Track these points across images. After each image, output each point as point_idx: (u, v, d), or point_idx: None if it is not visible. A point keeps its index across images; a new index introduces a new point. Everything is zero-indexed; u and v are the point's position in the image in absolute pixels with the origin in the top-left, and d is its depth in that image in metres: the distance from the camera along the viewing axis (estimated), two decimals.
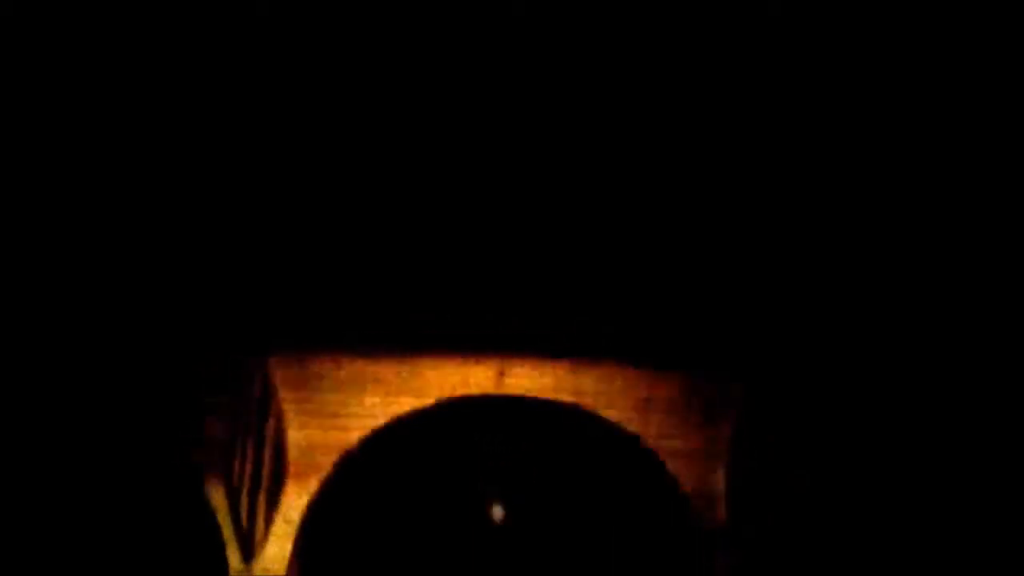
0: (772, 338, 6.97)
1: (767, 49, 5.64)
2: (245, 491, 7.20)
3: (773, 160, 6.22)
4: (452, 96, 6.11)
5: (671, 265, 6.86)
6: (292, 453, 7.38)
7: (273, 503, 7.34)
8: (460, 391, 7.46)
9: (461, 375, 7.44)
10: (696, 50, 5.72)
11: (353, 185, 6.60)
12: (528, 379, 7.45)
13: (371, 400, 7.45)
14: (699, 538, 7.26)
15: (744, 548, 7.11)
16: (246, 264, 6.92)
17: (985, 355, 6.67)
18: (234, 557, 7.14)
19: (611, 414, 7.43)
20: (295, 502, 7.34)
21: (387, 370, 7.43)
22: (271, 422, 7.39)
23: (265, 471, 7.34)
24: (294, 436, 7.41)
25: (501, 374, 7.43)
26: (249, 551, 7.20)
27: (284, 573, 7.23)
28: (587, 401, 7.44)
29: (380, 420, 7.45)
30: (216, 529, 7.07)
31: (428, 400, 7.47)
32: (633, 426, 7.41)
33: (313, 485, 7.37)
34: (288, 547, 7.29)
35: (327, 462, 7.41)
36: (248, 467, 7.22)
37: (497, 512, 8.89)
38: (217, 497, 7.07)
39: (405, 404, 7.45)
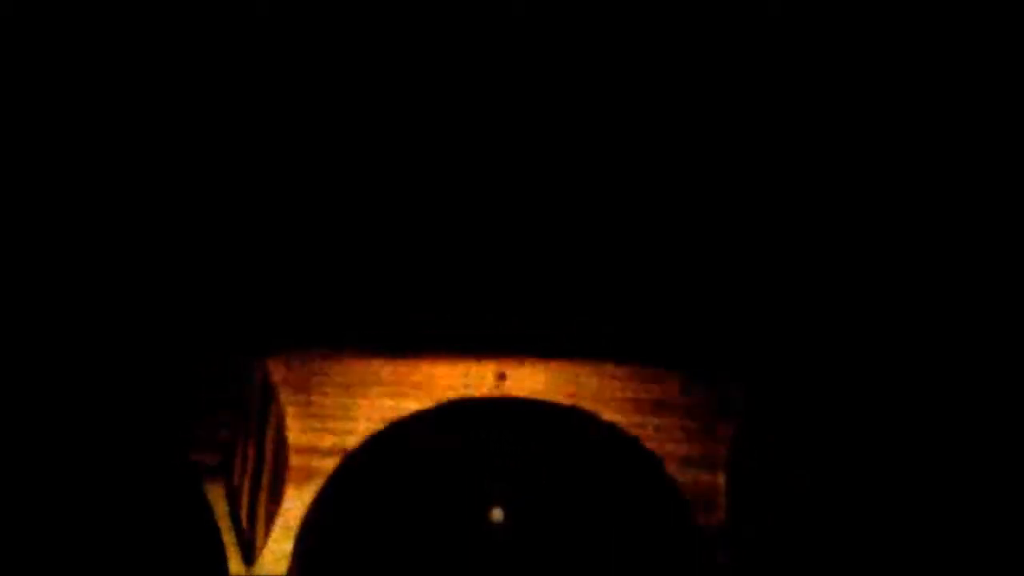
0: (772, 339, 6.96)
1: (767, 49, 5.64)
2: (245, 492, 7.19)
3: (773, 160, 6.22)
4: (452, 96, 6.11)
5: (671, 266, 6.85)
6: (292, 454, 7.39)
7: (273, 505, 7.34)
8: (460, 392, 7.47)
9: (461, 376, 7.45)
10: (696, 50, 5.72)
11: (353, 185, 6.59)
12: (528, 380, 7.45)
13: (371, 401, 7.46)
14: (699, 538, 7.26)
15: (744, 548, 7.11)
16: (246, 264, 6.91)
17: (985, 355, 6.67)
18: (234, 559, 7.13)
19: (611, 415, 7.43)
20: (295, 504, 7.34)
21: (387, 370, 7.44)
22: (271, 423, 7.39)
23: (265, 472, 7.34)
24: (294, 437, 7.41)
25: (501, 375, 7.43)
26: (249, 553, 7.19)
27: (284, 574, 7.23)
28: (587, 402, 7.45)
29: (380, 421, 7.45)
30: (216, 531, 7.06)
31: (428, 401, 7.47)
32: (633, 427, 7.41)
33: (314, 487, 7.37)
34: (288, 549, 7.29)
35: (327, 464, 7.41)
36: (248, 468, 7.21)
37: (497, 514, 8.89)
38: (217, 498, 7.05)
39: (405, 405, 7.45)
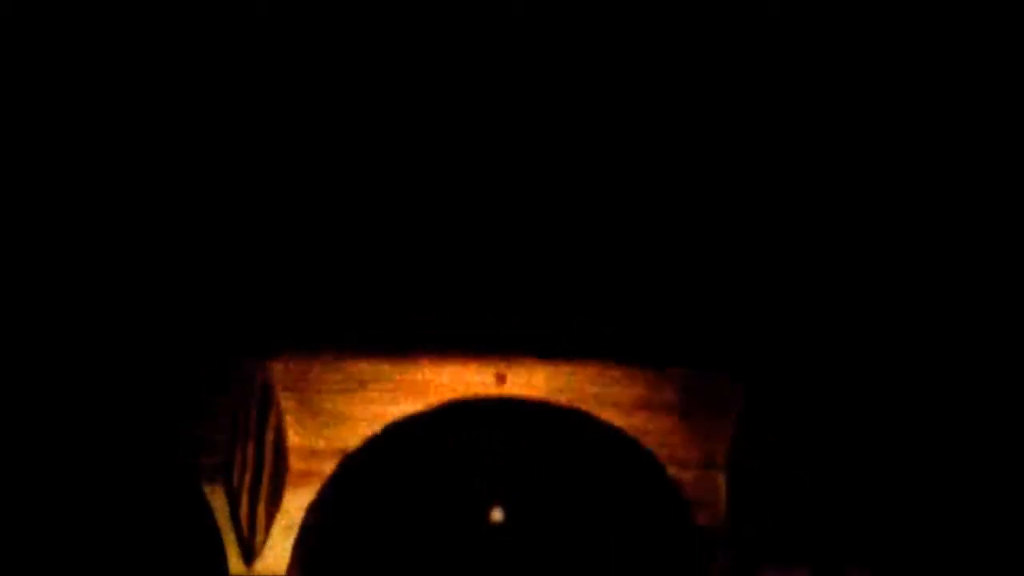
0: (772, 339, 6.97)
1: (767, 49, 5.65)
2: (245, 493, 7.19)
3: (773, 161, 6.23)
4: (452, 96, 6.12)
5: (671, 265, 6.86)
6: (292, 455, 7.39)
7: (273, 505, 7.35)
8: (460, 392, 7.47)
9: (461, 376, 7.45)
10: (696, 50, 5.73)
11: (353, 186, 6.60)
12: (528, 380, 7.45)
13: (370, 403, 7.46)
14: (699, 538, 7.26)
15: (744, 548, 7.11)
16: (246, 266, 6.91)
17: (985, 355, 6.68)
18: (234, 559, 7.14)
19: (611, 415, 7.43)
20: (295, 504, 7.35)
21: (386, 372, 7.44)
22: (271, 424, 7.39)
23: (265, 473, 7.34)
24: (294, 438, 7.42)
25: (501, 375, 7.43)
26: (249, 553, 7.20)
27: (284, 575, 7.23)
28: (587, 402, 7.45)
29: (380, 422, 7.45)
30: (216, 531, 7.06)
31: (428, 402, 7.47)
32: (633, 427, 7.42)
33: (313, 487, 7.38)
34: (288, 549, 7.29)
35: (327, 465, 7.41)
36: (248, 469, 7.21)
37: (496, 514, 8.89)
38: (217, 499, 7.05)
39: (405, 406, 7.45)
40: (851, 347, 6.84)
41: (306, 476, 7.37)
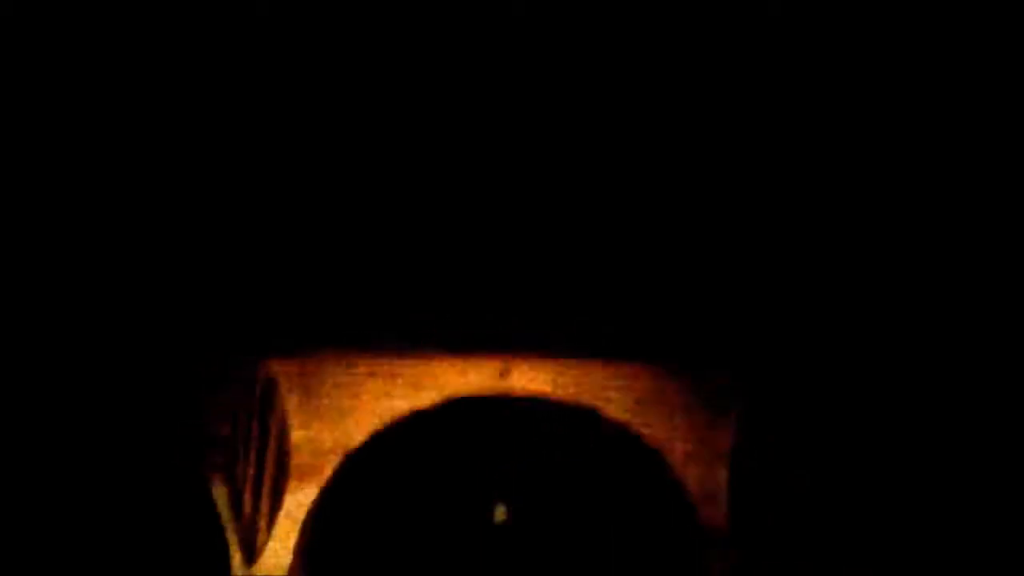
0: (773, 339, 6.96)
1: (767, 49, 5.63)
2: (248, 491, 7.23)
3: (773, 161, 6.21)
4: (452, 96, 6.11)
5: (671, 265, 6.85)
6: (294, 453, 7.41)
7: (276, 503, 7.37)
8: (462, 390, 7.48)
9: (463, 374, 7.46)
10: (695, 50, 5.71)
11: (353, 185, 6.60)
12: (529, 378, 7.47)
13: (373, 400, 7.47)
14: (699, 538, 7.27)
15: (744, 548, 7.12)
16: (248, 265, 6.93)
17: (984, 355, 6.66)
18: (237, 557, 7.17)
19: (612, 414, 7.44)
20: (298, 502, 7.36)
21: (388, 369, 7.46)
22: (273, 422, 7.41)
23: (268, 471, 7.37)
24: (296, 436, 7.43)
25: (503, 373, 7.44)
26: (252, 551, 7.23)
27: (287, 573, 7.25)
28: (588, 401, 7.46)
29: (382, 420, 7.47)
30: (219, 529, 7.09)
31: (430, 400, 7.48)
32: (634, 426, 7.42)
33: (316, 485, 7.39)
34: (291, 547, 7.31)
35: (329, 462, 7.43)
36: (251, 467, 7.25)
37: (500, 512, 8.91)
38: (220, 497, 7.09)
39: (406, 404, 7.47)
40: (851, 348, 6.83)
41: (309, 473, 7.39)
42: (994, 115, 5.68)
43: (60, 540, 7.60)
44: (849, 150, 6.08)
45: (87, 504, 7.66)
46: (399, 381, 7.48)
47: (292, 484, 7.38)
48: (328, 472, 7.43)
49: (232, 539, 7.12)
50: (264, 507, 7.33)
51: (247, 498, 7.21)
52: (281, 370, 7.41)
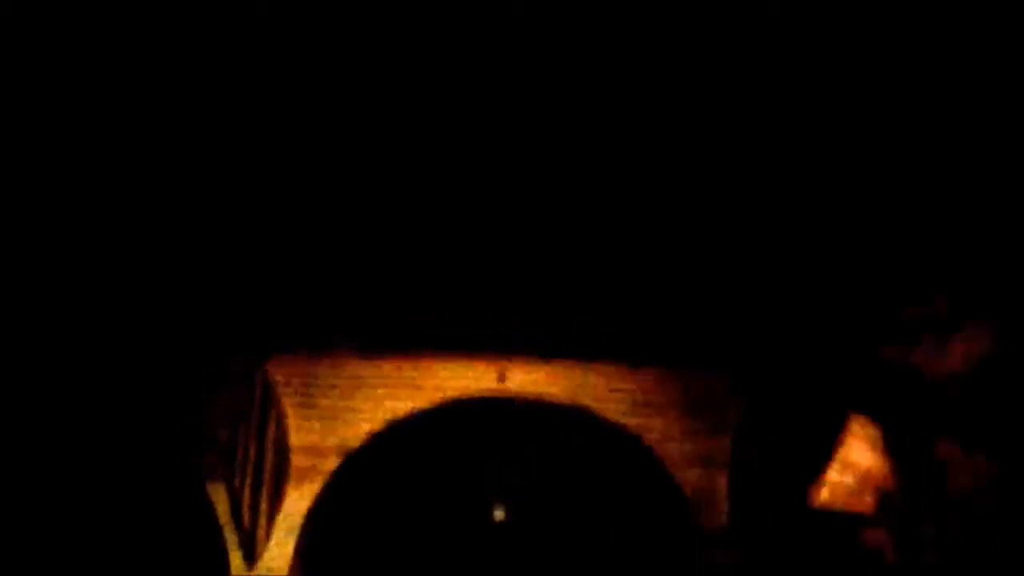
0: (773, 340, 6.97)
1: (767, 49, 5.65)
2: (247, 492, 7.22)
3: (773, 161, 6.23)
4: (452, 97, 6.12)
5: (671, 266, 6.87)
6: (294, 454, 7.40)
7: (275, 504, 7.35)
8: (461, 391, 7.48)
9: (462, 375, 7.46)
10: (695, 50, 5.72)
11: (353, 187, 6.61)
12: (528, 379, 7.47)
13: (372, 401, 7.47)
14: (700, 537, 7.27)
15: (744, 548, 7.12)
16: (247, 266, 6.93)
17: (983, 355, 6.67)
18: (236, 559, 7.16)
19: (611, 414, 7.44)
20: (297, 503, 7.35)
21: (388, 370, 7.45)
22: (272, 423, 7.40)
23: (267, 472, 7.36)
24: (295, 437, 7.42)
25: (501, 374, 7.44)
26: (251, 552, 7.21)
27: (286, 574, 7.25)
28: (587, 401, 7.46)
29: (381, 421, 7.46)
30: (218, 530, 7.08)
31: (429, 401, 7.48)
32: (633, 426, 7.42)
33: (315, 486, 7.38)
34: (290, 548, 7.30)
35: (328, 463, 7.42)
36: (250, 468, 7.24)
37: (499, 513, 8.91)
38: (219, 498, 7.08)
39: (406, 404, 7.47)
40: (850, 348, 6.84)
41: (308, 474, 7.38)
42: (994, 115, 5.69)
43: (60, 540, 7.60)
44: (846, 153, 6.10)
45: (87, 504, 7.66)
46: (398, 382, 7.48)
47: (291, 485, 7.36)
48: (327, 473, 7.42)
49: (231, 540, 7.11)
50: (263, 508, 7.32)
51: (246, 498, 7.20)
52: (281, 371, 7.40)
